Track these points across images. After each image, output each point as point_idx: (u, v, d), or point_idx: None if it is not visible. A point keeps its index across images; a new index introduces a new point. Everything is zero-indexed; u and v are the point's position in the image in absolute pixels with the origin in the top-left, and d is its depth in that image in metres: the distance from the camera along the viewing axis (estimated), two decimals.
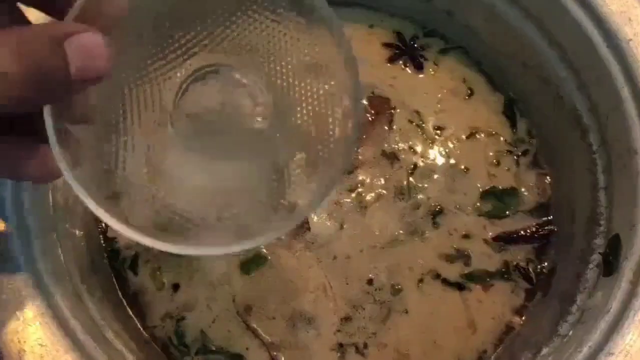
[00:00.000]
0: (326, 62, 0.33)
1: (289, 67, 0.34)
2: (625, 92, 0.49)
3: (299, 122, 0.34)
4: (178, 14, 0.33)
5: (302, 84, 0.34)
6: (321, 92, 0.34)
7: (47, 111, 0.27)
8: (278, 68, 0.34)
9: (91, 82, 0.26)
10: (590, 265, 0.50)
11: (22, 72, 0.24)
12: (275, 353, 0.55)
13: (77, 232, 0.53)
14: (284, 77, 0.34)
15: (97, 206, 0.28)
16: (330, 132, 0.33)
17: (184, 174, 0.35)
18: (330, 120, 0.33)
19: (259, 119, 0.35)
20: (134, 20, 0.31)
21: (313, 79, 0.34)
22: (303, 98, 0.34)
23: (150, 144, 0.34)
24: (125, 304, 0.56)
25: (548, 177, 0.61)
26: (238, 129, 0.35)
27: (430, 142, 0.62)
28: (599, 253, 0.50)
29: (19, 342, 0.41)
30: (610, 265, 0.47)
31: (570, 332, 0.47)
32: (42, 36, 0.25)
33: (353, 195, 0.59)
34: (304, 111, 0.34)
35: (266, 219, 0.34)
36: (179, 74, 0.34)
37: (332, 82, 0.33)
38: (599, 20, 0.50)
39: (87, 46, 0.25)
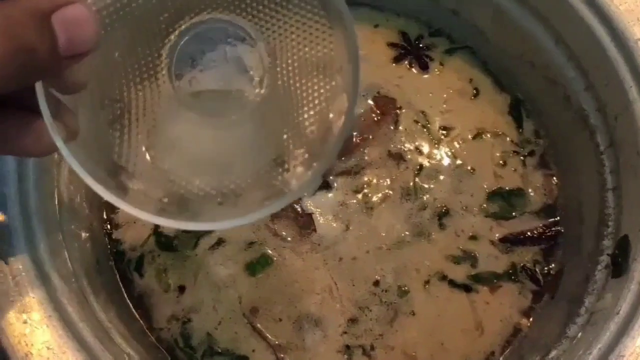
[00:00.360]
0: (332, 55, 0.33)
1: (296, 57, 0.34)
2: (634, 93, 0.48)
3: (301, 116, 0.34)
4: None
5: (306, 75, 0.34)
6: (323, 84, 0.34)
7: (38, 84, 0.27)
8: (284, 57, 0.34)
9: (80, 56, 0.26)
10: (599, 267, 0.50)
11: (7, 52, 0.23)
12: (281, 355, 0.54)
13: (82, 233, 0.53)
14: (289, 67, 0.34)
15: (94, 181, 0.28)
16: (327, 125, 0.33)
17: (184, 146, 0.35)
18: (329, 113, 0.33)
19: (258, 89, 0.34)
20: None
21: (317, 71, 0.34)
22: (304, 88, 0.34)
23: (151, 116, 0.34)
24: (130, 306, 0.56)
25: (555, 178, 0.61)
26: (239, 103, 0.35)
27: (436, 142, 0.62)
28: (608, 254, 0.49)
29: (26, 345, 0.41)
30: (619, 267, 0.47)
31: (579, 334, 0.46)
32: (27, 13, 0.24)
33: (359, 196, 0.59)
34: (305, 102, 0.34)
35: (260, 197, 0.34)
36: (177, 31, 0.33)
37: (335, 76, 0.33)
38: (607, 20, 0.49)
39: (73, 19, 0.25)
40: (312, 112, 0.34)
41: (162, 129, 0.35)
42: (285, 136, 0.35)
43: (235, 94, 0.35)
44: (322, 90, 0.34)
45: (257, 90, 0.34)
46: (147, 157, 0.34)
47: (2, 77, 0.24)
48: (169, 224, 0.30)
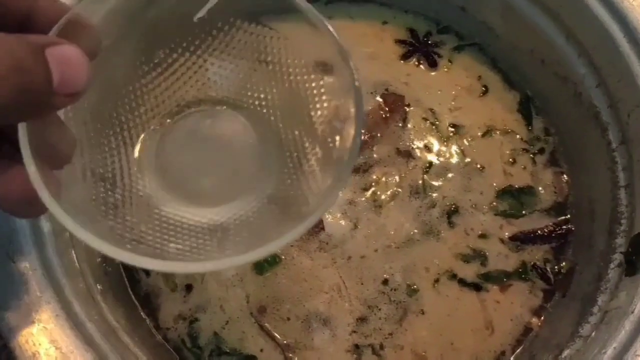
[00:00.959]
0: (326, 59, 0.32)
1: (293, 69, 0.34)
2: None
3: (311, 121, 0.34)
4: (161, 35, 0.33)
5: (307, 85, 0.33)
6: (324, 90, 0.33)
7: (22, 134, 0.26)
8: (279, 67, 0.34)
9: (71, 97, 0.25)
10: (612, 265, 0.49)
11: (3, 78, 0.23)
12: (289, 354, 0.54)
13: None
14: (290, 79, 0.34)
15: (92, 237, 0.27)
16: (337, 136, 0.32)
17: (187, 185, 0.35)
18: (339, 119, 0.33)
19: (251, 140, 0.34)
20: (118, 38, 0.30)
21: (318, 80, 0.33)
22: (310, 99, 0.33)
23: (146, 160, 0.33)
24: (137, 305, 0.56)
25: (565, 176, 0.60)
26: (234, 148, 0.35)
27: (445, 140, 0.61)
28: (621, 252, 0.49)
29: (34, 344, 0.40)
30: (633, 265, 0.46)
31: (593, 334, 0.46)
32: (24, 43, 0.24)
33: (367, 194, 0.59)
34: (314, 107, 0.34)
35: (278, 223, 0.33)
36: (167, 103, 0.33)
37: (335, 79, 0.33)
38: (620, 15, 0.49)
39: (67, 57, 0.25)
40: (319, 122, 0.34)
41: (161, 165, 0.34)
42: (298, 153, 0.34)
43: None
44: (324, 98, 0.33)
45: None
46: (147, 204, 0.33)
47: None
48: (187, 270, 0.29)
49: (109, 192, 0.32)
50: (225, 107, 0.35)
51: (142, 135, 0.34)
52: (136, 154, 0.34)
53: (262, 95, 0.35)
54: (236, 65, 0.34)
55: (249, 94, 0.35)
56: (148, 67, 0.33)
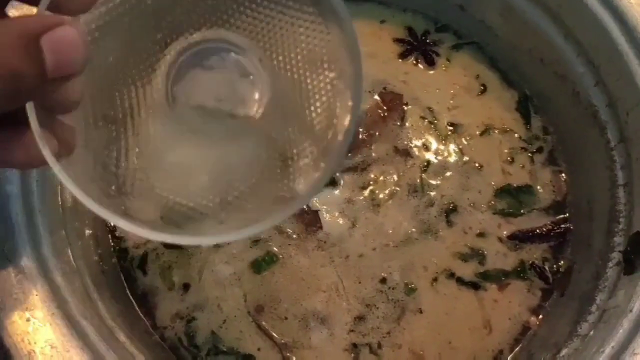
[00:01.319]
0: (333, 54, 0.32)
1: (296, 58, 0.33)
2: None
3: (306, 113, 0.34)
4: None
5: (308, 75, 0.33)
6: (325, 84, 0.33)
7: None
8: (283, 58, 0.33)
9: (68, 78, 0.25)
10: (610, 264, 0.49)
11: None
12: (287, 354, 0.54)
13: (86, 231, 0.52)
14: (289, 68, 0.34)
15: (85, 196, 0.27)
16: (332, 125, 0.33)
17: (184, 161, 0.35)
18: (334, 112, 0.33)
19: (256, 107, 0.34)
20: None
21: (319, 70, 0.33)
22: (310, 88, 0.33)
23: (147, 135, 0.33)
24: (134, 304, 0.55)
25: (563, 175, 0.60)
26: (237, 117, 0.35)
27: (443, 138, 0.61)
28: (619, 251, 0.49)
29: (29, 343, 0.40)
30: (631, 264, 0.46)
31: (591, 332, 0.46)
32: (15, 36, 0.23)
33: (366, 192, 0.59)
34: (310, 101, 0.33)
35: (267, 205, 0.33)
36: (174, 51, 0.33)
37: (337, 75, 0.33)
38: (619, 14, 0.49)
39: (62, 41, 0.24)
40: (315, 114, 0.33)
41: (161, 148, 0.34)
42: (289, 143, 0.34)
43: (234, 111, 0.34)
44: (324, 92, 0.33)
45: (256, 108, 0.34)
46: (145, 175, 0.33)
47: None
48: (169, 240, 0.29)
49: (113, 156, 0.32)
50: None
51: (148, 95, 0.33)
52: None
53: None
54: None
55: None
56: None
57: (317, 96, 0.33)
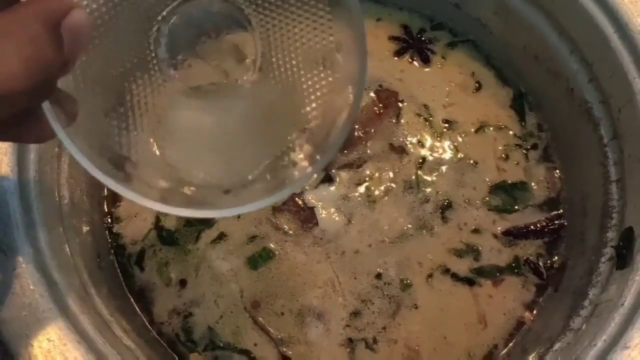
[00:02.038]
0: (338, 48, 0.33)
1: (298, 49, 0.34)
2: (638, 85, 0.48)
3: (305, 108, 0.34)
4: None
5: (310, 67, 0.34)
6: (326, 76, 0.34)
7: None
8: (286, 46, 0.34)
9: (76, 60, 0.26)
10: (603, 259, 0.49)
11: (28, 67, 0.23)
12: (283, 349, 0.54)
13: (83, 227, 0.52)
14: (292, 61, 0.34)
15: (92, 166, 0.28)
16: (332, 118, 0.33)
17: (188, 136, 0.35)
18: (333, 106, 0.33)
19: (251, 72, 0.34)
20: None
21: (321, 63, 0.34)
22: (308, 80, 0.34)
23: (151, 106, 0.33)
24: (131, 300, 0.56)
25: (558, 171, 0.61)
26: (236, 87, 0.35)
27: (438, 135, 0.61)
28: (612, 246, 0.49)
29: (27, 337, 0.40)
30: (623, 258, 0.47)
31: (584, 326, 0.46)
32: (40, 22, 0.24)
33: (361, 189, 0.59)
34: (308, 93, 0.34)
35: (266, 185, 0.34)
36: (171, 17, 0.33)
37: (340, 68, 0.33)
38: (611, 11, 0.49)
39: (76, 25, 0.25)
40: (315, 105, 0.34)
41: (165, 118, 0.34)
42: (289, 129, 0.35)
43: (232, 76, 0.35)
44: (325, 82, 0.34)
45: (250, 73, 0.34)
46: (150, 146, 0.33)
47: (22, 91, 0.23)
48: (172, 212, 0.30)
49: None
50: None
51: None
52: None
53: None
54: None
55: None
56: None
57: (317, 87, 0.34)
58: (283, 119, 0.35)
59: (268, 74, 0.34)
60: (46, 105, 0.27)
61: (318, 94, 0.34)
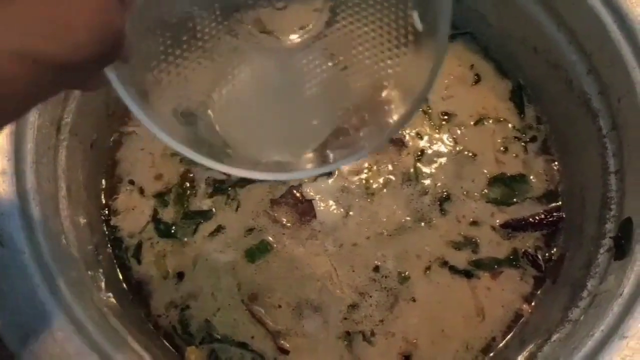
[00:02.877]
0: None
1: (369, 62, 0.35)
2: (637, 75, 0.48)
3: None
4: None
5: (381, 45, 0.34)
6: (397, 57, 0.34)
7: None
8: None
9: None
10: (601, 250, 0.49)
11: (98, 31, 0.24)
12: (281, 341, 0.54)
13: (81, 219, 0.52)
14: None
15: (139, 109, 0.28)
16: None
17: (245, 97, 0.36)
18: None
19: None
20: None
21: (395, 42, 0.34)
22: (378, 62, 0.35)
23: (214, 61, 0.34)
24: (128, 292, 0.56)
25: (556, 164, 0.60)
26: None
27: (437, 128, 0.61)
28: (610, 237, 0.49)
29: (22, 327, 0.40)
30: (622, 249, 0.46)
31: (582, 317, 0.46)
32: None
33: (360, 181, 0.59)
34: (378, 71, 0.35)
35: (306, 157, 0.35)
36: None
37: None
38: (610, 1, 0.49)
39: None
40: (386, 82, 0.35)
41: (229, 79, 0.35)
42: (350, 107, 0.36)
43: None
44: (396, 62, 0.34)
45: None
46: (210, 109, 0.34)
47: (92, 59, 0.24)
48: (216, 167, 0.30)
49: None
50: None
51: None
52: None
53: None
54: None
55: None
56: None
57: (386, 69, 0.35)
58: (347, 97, 0.36)
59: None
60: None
61: (389, 71, 0.35)
